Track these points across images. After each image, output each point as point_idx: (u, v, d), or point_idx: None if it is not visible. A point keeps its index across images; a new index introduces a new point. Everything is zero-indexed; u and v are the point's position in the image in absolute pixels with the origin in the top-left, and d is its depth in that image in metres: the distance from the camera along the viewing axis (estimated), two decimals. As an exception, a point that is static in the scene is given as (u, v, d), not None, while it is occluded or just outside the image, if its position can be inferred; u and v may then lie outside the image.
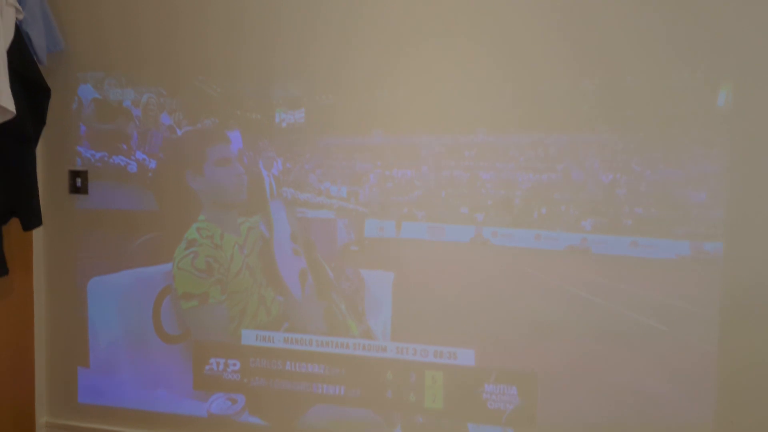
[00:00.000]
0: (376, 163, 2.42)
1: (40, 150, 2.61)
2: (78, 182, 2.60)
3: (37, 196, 2.41)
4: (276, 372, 2.39)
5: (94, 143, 2.57)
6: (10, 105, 2.16)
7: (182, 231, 2.52)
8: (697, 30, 2.18)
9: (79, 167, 2.60)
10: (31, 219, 2.39)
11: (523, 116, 2.34)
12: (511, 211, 2.36)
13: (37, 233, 2.65)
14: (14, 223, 2.50)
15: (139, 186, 2.53)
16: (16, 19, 2.27)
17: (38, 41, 2.39)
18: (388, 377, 2.29)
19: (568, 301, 2.28)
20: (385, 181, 2.42)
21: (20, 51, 2.29)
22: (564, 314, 2.28)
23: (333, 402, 2.35)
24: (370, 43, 2.40)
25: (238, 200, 2.47)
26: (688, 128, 2.20)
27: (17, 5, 2.30)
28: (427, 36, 2.38)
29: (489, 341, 2.30)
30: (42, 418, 2.70)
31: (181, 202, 2.55)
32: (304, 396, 2.36)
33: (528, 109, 2.34)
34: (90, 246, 2.58)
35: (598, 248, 2.27)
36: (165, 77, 2.53)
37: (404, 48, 2.38)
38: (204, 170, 2.50)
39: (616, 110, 2.26)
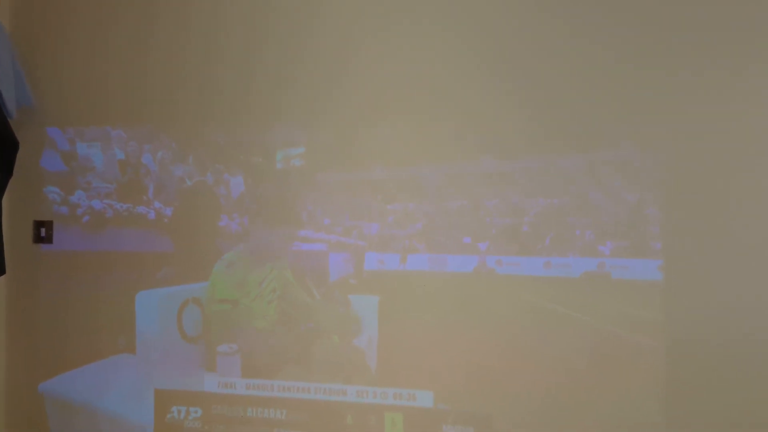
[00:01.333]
0: (376, 197, 2.40)
1: (4, 200, 2.65)
2: (42, 232, 2.66)
3: (2, 244, 2.42)
4: (237, 419, 2.43)
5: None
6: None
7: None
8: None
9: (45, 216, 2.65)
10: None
11: (532, 139, 2.25)
12: (517, 239, 2.24)
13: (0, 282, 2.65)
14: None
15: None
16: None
17: (8, 95, 2.47)
18: (348, 421, 2.33)
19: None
20: (385, 215, 2.39)
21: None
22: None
23: None
24: (367, 77, 2.41)
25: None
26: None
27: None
28: (425, 63, 2.37)
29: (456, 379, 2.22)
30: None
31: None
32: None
33: (537, 130, 2.24)
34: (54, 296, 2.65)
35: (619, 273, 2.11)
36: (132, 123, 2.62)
37: (403, 79, 2.37)
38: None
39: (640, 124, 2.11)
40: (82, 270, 2.61)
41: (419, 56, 2.36)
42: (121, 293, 2.56)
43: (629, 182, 2.13)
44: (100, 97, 2.62)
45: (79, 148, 2.64)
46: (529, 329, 2.18)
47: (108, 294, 2.59)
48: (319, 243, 2.44)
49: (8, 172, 2.40)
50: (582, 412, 2.13)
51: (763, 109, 2.05)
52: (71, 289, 2.62)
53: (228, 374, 2.45)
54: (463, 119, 2.30)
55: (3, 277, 2.57)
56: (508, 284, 2.22)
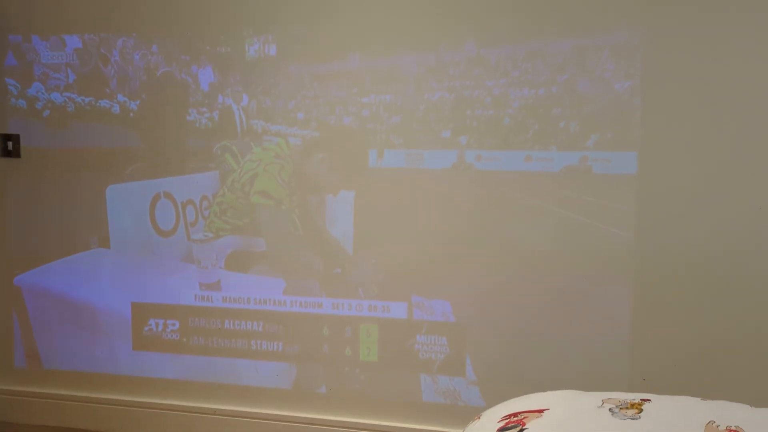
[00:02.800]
0: (351, 90, 2.28)
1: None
2: (9, 145, 2.57)
3: None
4: (215, 331, 2.46)
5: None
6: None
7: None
8: None
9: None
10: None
11: (518, 23, 2.11)
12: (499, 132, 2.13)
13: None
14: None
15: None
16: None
17: None
18: (324, 332, 2.36)
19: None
20: (360, 109, 2.28)
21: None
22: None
23: (271, 358, 2.41)
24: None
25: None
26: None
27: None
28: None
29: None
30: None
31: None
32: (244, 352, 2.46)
33: (524, 13, 2.10)
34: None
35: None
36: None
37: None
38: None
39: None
40: (51, 169, 2.53)
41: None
42: (91, 190, 2.50)
43: (620, 69, 1.99)
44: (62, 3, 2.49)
45: (36, 43, 2.51)
46: (506, 225, 2.12)
47: (79, 191, 2.52)
48: (293, 138, 2.34)
49: None
50: (556, 310, 2.09)
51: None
52: (42, 188, 2.55)
53: (206, 261, 2.43)
54: (444, 2, 2.17)
55: None
56: (487, 180, 2.13)
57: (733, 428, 0.97)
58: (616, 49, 1.99)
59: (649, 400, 1.05)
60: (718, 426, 0.98)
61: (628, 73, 1.99)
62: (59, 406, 2.56)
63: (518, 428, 1.05)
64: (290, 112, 2.32)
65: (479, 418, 1.19)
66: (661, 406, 1.03)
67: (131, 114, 2.47)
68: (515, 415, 1.11)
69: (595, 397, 1.08)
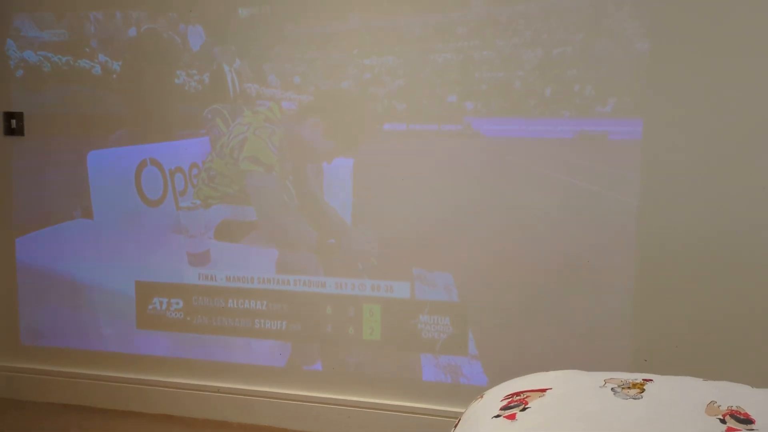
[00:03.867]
0: (351, 52, 2.32)
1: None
2: (13, 123, 2.64)
3: None
4: (218, 310, 2.58)
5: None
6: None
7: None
8: None
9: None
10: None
11: None
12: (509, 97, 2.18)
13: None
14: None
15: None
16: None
17: None
18: (327, 311, 2.47)
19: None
20: (362, 72, 2.32)
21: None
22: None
23: (275, 337, 2.53)
24: None
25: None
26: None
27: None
28: None
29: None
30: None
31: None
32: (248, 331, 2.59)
33: None
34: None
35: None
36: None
37: None
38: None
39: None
40: (29, 134, 2.60)
41: None
42: (72, 157, 2.58)
43: (643, 28, 2.03)
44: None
45: None
46: (512, 194, 2.20)
47: (57, 160, 2.60)
48: (288, 102, 2.40)
49: None
50: (560, 283, 2.18)
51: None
52: (16, 155, 2.63)
53: (194, 230, 2.52)
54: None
55: None
56: (495, 146, 2.20)
57: (734, 408, 1.07)
58: (637, 5, 2.02)
59: (651, 380, 1.15)
60: (719, 406, 1.08)
61: (651, 32, 2.02)
62: (67, 383, 2.68)
63: (521, 407, 1.15)
64: (287, 75, 2.37)
65: (482, 397, 1.29)
66: (662, 386, 1.13)
67: (114, 76, 2.54)
68: (518, 394, 1.21)
69: (597, 377, 1.18)
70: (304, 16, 2.34)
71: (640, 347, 2.12)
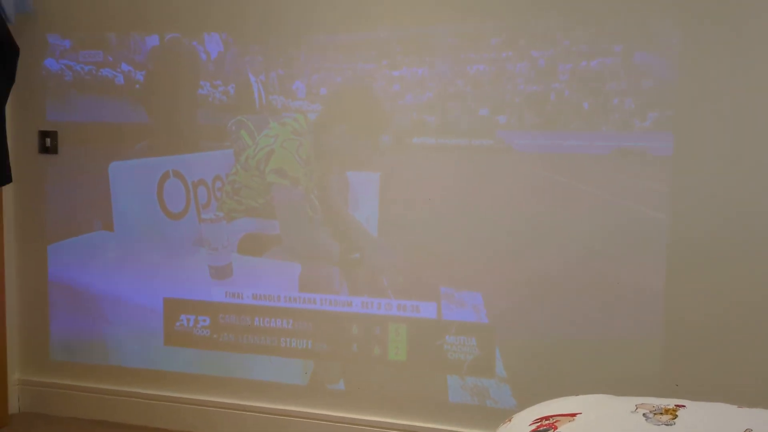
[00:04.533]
0: (381, 63, 2.40)
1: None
2: (47, 142, 2.78)
3: (7, 153, 2.61)
4: (244, 328, 2.68)
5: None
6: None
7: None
8: None
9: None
10: (1, 176, 2.60)
11: None
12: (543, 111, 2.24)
13: (7, 190, 2.77)
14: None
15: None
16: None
17: (6, 0, 2.58)
18: (353, 331, 2.56)
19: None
20: (391, 83, 2.39)
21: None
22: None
23: (301, 356, 2.63)
24: None
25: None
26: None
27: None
28: None
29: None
30: (14, 375, 2.90)
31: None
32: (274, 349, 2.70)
33: None
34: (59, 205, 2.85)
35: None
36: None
37: None
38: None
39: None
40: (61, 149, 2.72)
41: None
42: (93, 169, 2.69)
43: (684, 38, 2.06)
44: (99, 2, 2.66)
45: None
46: (545, 212, 2.24)
47: (80, 171, 2.72)
48: (314, 114, 2.47)
49: (10, 79, 2.60)
50: (592, 304, 2.22)
51: None
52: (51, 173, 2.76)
53: (216, 242, 2.60)
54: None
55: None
56: (527, 162, 2.25)
57: (770, 436, 1.11)
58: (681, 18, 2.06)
59: (684, 406, 1.19)
60: (755, 434, 1.11)
61: (688, 43, 2.06)
62: (94, 399, 2.80)
63: (550, 431, 1.20)
64: (314, 86, 2.45)
65: (510, 420, 1.34)
66: (696, 412, 1.17)
67: (137, 86, 2.65)
68: (547, 418, 1.26)
69: (628, 402, 1.23)
70: (333, 27, 2.42)
71: (671, 370, 2.15)
